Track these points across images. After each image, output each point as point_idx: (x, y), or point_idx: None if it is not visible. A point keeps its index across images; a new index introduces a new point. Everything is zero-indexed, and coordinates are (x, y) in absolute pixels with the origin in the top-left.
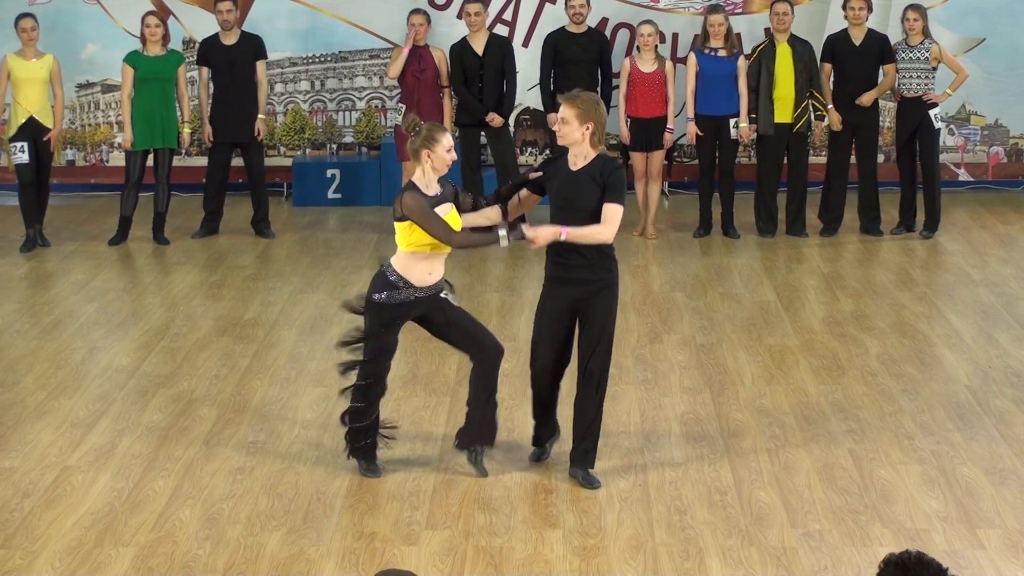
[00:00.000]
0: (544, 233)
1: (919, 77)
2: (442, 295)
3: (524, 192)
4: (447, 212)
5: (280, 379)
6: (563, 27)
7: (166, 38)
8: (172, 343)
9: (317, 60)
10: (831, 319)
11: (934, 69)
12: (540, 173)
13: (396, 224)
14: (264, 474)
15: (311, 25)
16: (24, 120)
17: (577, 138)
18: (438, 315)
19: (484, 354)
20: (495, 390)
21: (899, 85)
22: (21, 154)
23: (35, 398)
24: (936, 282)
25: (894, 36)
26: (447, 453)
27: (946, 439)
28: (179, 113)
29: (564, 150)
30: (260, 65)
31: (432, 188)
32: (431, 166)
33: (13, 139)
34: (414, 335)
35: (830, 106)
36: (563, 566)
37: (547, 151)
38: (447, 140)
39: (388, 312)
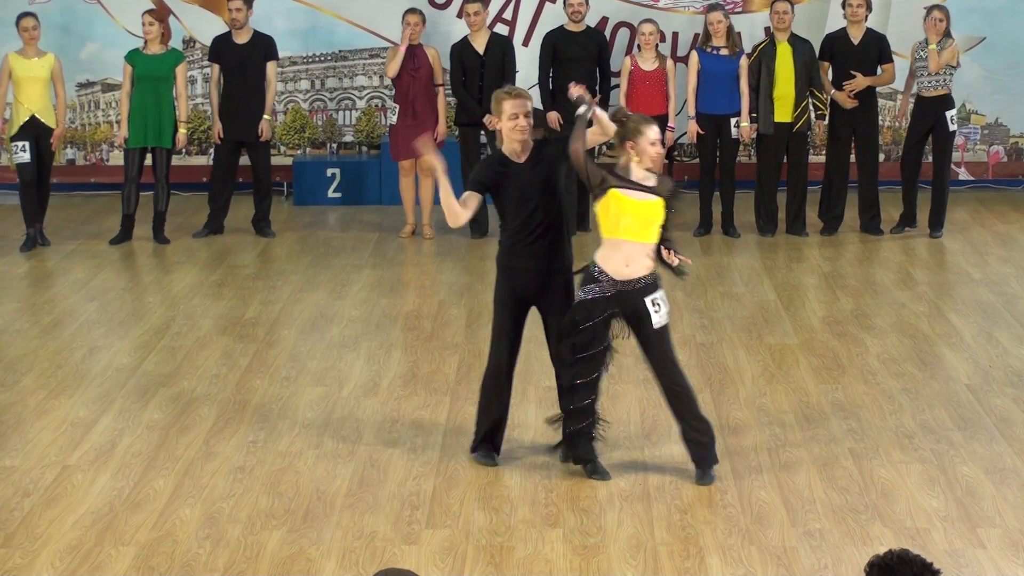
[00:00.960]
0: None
1: (938, 76)
2: (646, 300)
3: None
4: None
5: (280, 378)
6: (562, 26)
7: (166, 37)
8: (172, 342)
9: (317, 59)
10: (831, 318)
11: (953, 68)
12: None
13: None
14: (264, 473)
15: (311, 24)
16: (25, 119)
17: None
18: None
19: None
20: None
21: (918, 84)
22: (22, 153)
23: (35, 397)
24: (936, 281)
25: (892, 35)
26: (447, 452)
27: (946, 438)
28: (176, 112)
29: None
30: (271, 65)
31: (642, 180)
32: (635, 158)
33: (14, 138)
34: (413, 333)
35: (834, 91)
36: (563, 565)
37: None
38: (653, 132)
39: (597, 306)
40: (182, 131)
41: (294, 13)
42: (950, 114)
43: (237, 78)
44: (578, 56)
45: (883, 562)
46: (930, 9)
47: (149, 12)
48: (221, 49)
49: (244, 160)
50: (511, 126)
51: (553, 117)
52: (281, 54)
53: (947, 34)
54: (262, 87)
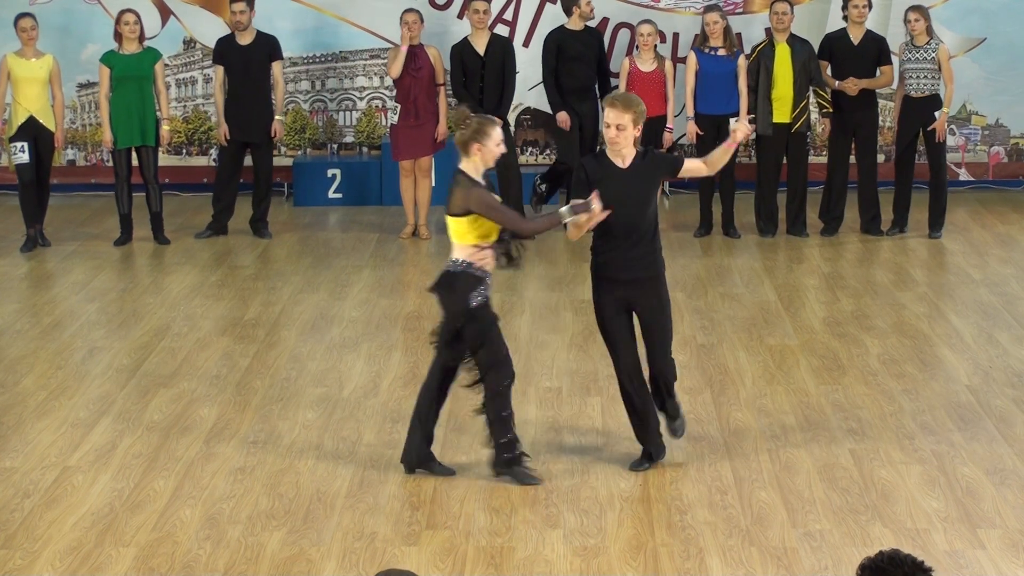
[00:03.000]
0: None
1: (926, 77)
2: None
3: None
4: None
5: (281, 379)
6: (562, 25)
7: (143, 36)
8: (172, 343)
9: (318, 60)
10: (831, 319)
11: (940, 69)
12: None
13: (457, 219)
14: (264, 474)
15: (312, 25)
16: (24, 120)
17: (632, 140)
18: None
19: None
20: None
21: (906, 85)
22: (21, 154)
23: (35, 398)
24: (937, 282)
25: (893, 37)
26: (447, 452)
27: (947, 439)
28: (157, 110)
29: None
30: (276, 65)
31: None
32: (480, 159)
33: (13, 139)
34: (414, 334)
35: (837, 83)
36: (563, 566)
37: (547, 151)
38: (498, 133)
39: (489, 309)
40: (165, 128)
41: (295, 13)
42: (938, 113)
43: (242, 79)
44: (582, 55)
45: (874, 564)
46: (907, 11)
47: (131, 11)
48: (225, 51)
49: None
50: (498, 152)
51: (563, 117)
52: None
53: (930, 33)
54: (267, 88)
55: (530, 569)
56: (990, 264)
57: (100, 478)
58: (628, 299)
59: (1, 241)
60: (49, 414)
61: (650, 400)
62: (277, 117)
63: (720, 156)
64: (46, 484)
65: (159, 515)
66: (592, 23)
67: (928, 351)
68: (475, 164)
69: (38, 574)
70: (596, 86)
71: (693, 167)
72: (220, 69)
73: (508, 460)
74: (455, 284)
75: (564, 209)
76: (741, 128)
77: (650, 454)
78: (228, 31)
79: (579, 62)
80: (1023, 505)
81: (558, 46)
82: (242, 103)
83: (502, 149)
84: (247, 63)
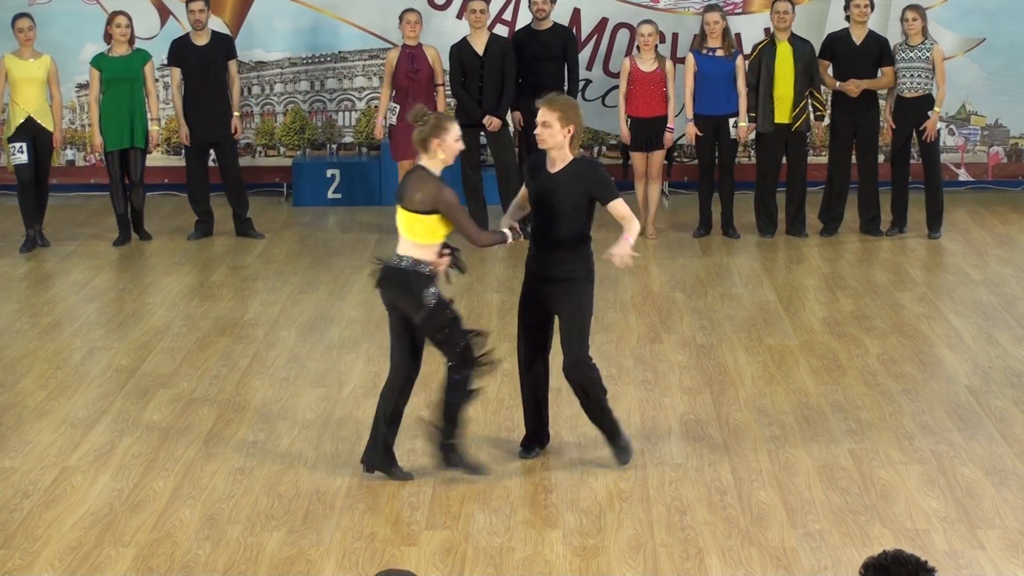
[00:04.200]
0: (625, 252)
1: (920, 77)
2: None
3: (523, 192)
4: None
5: (280, 379)
6: (528, 25)
7: (132, 38)
8: (172, 343)
9: (317, 60)
10: (831, 319)
11: (934, 69)
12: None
13: (419, 216)
14: (264, 474)
15: (310, 25)
16: (22, 120)
17: (559, 141)
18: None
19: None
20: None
21: (900, 85)
22: (20, 154)
23: (35, 398)
24: (936, 282)
25: (894, 37)
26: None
27: (946, 439)
28: (148, 111)
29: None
30: (232, 64)
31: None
32: (441, 156)
33: (12, 139)
34: None
35: (838, 84)
36: (563, 566)
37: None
38: (456, 129)
39: (446, 303)
40: (154, 128)
41: (293, 13)
42: (930, 113)
43: (200, 80)
44: (542, 55)
45: (878, 562)
46: (904, 10)
47: (122, 13)
48: (181, 52)
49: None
50: (457, 148)
51: (516, 116)
52: (280, 55)
53: (925, 34)
54: (225, 87)
55: (529, 569)
56: (990, 264)
57: (99, 478)
58: (544, 296)
59: (1, 241)
60: (48, 414)
61: (539, 388)
62: (235, 114)
63: (631, 232)
64: (45, 484)
65: (158, 515)
66: (591, 22)
67: (928, 351)
68: (436, 161)
69: (37, 574)
70: (565, 86)
71: (621, 213)
72: (177, 71)
73: (447, 447)
74: (410, 285)
75: (507, 231)
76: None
77: (536, 440)
78: (226, 31)
79: (539, 62)
80: (1022, 505)
81: (520, 45)
82: (201, 104)
83: (461, 145)
84: (205, 64)
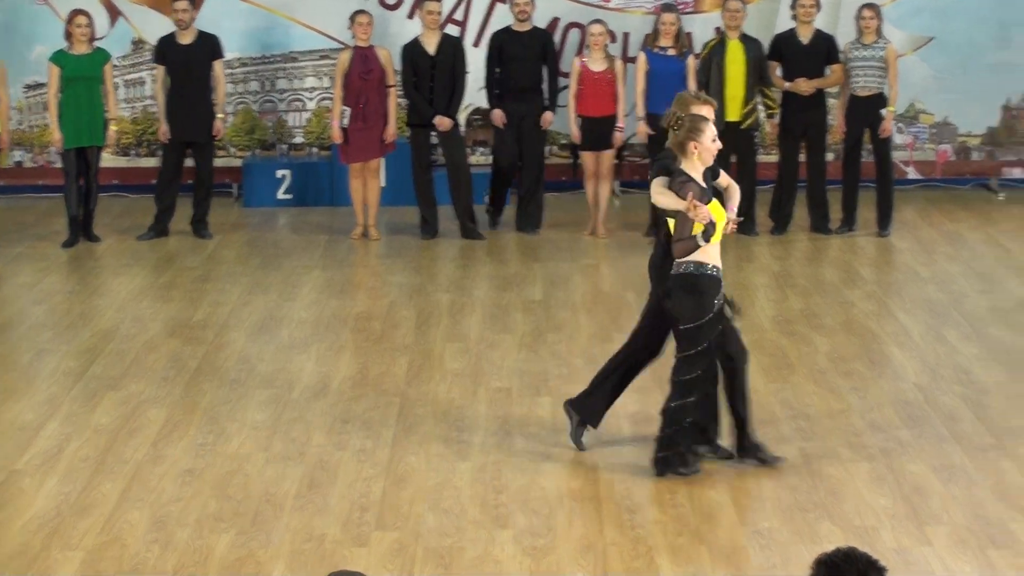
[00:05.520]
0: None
1: (873, 76)
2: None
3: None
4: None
5: (229, 381)
6: (508, 26)
7: (92, 37)
8: (121, 345)
9: (267, 60)
10: (781, 317)
11: (887, 68)
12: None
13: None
14: (213, 476)
15: (261, 25)
16: None
17: None
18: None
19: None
20: None
21: (852, 83)
22: None
23: None
24: (885, 280)
25: (843, 36)
26: (397, 454)
27: (895, 437)
28: (106, 111)
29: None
30: (217, 64)
31: (700, 180)
32: (698, 157)
33: None
34: (363, 335)
35: (788, 84)
36: (513, 566)
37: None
38: (711, 129)
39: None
40: (112, 128)
41: (244, 14)
42: (885, 111)
43: (183, 79)
44: (522, 56)
45: (830, 559)
46: (861, 8)
47: (82, 12)
48: (166, 50)
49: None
50: (715, 148)
51: (497, 116)
52: (231, 55)
53: (879, 33)
54: (208, 87)
55: (480, 569)
56: (938, 262)
57: (47, 481)
58: None
59: None
60: None
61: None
62: (218, 115)
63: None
64: None
65: (107, 518)
66: (541, 23)
67: (876, 349)
68: (694, 163)
69: None
70: (543, 86)
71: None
72: (161, 69)
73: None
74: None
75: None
76: None
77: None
78: (172, 31)
79: (519, 63)
80: (969, 502)
81: (499, 47)
82: (183, 103)
83: (718, 145)
84: (188, 63)
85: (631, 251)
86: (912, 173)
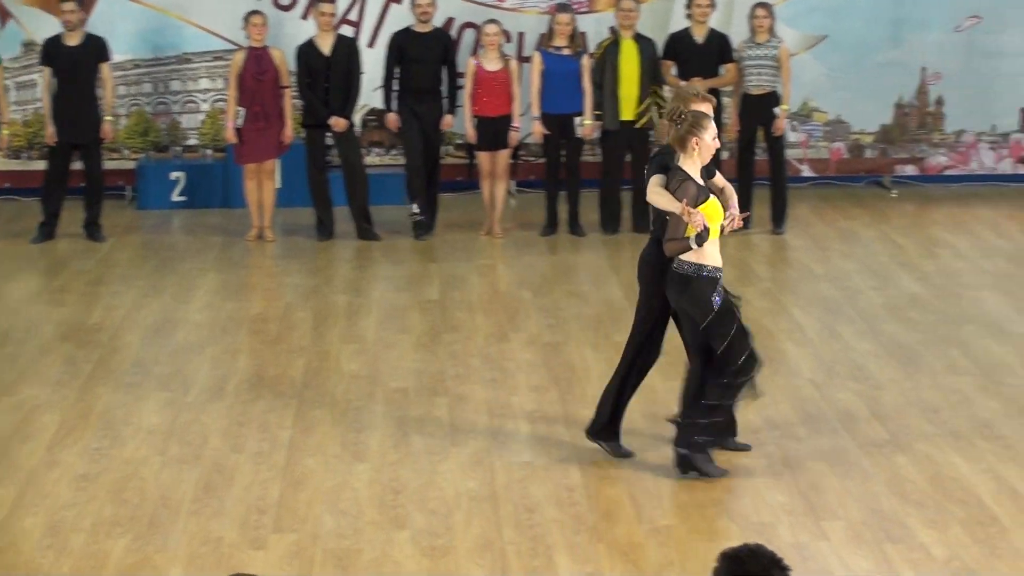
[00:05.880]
0: None
1: (766, 74)
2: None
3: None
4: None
5: (125, 384)
6: (408, 27)
7: None
8: (13, 350)
9: (160, 62)
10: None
11: (780, 67)
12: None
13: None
14: (109, 481)
15: (154, 26)
16: None
17: None
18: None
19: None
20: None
21: (745, 82)
22: None
23: None
24: (780, 277)
25: (736, 35)
26: (294, 456)
27: (791, 433)
28: None
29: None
30: (105, 67)
31: (698, 178)
32: (698, 154)
33: None
34: (259, 337)
35: (683, 84)
36: (412, 566)
37: (392, 151)
38: (713, 127)
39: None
40: (4, 132)
41: (136, 15)
42: (779, 109)
43: (69, 80)
44: (423, 57)
45: (735, 553)
46: (754, 7)
47: None
48: (52, 52)
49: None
50: (715, 146)
51: (392, 119)
52: (124, 57)
53: (772, 32)
54: (94, 89)
55: (378, 570)
56: (832, 259)
57: None
58: None
59: None
60: None
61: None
62: (107, 118)
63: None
64: None
65: (0, 525)
66: (435, 23)
67: (771, 346)
68: (693, 160)
69: None
70: (443, 88)
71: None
72: (47, 70)
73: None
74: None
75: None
76: None
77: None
78: (58, 32)
79: (419, 64)
80: (865, 497)
81: (399, 48)
82: (69, 104)
83: (718, 143)
84: (74, 64)
85: (527, 250)
86: (806, 171)
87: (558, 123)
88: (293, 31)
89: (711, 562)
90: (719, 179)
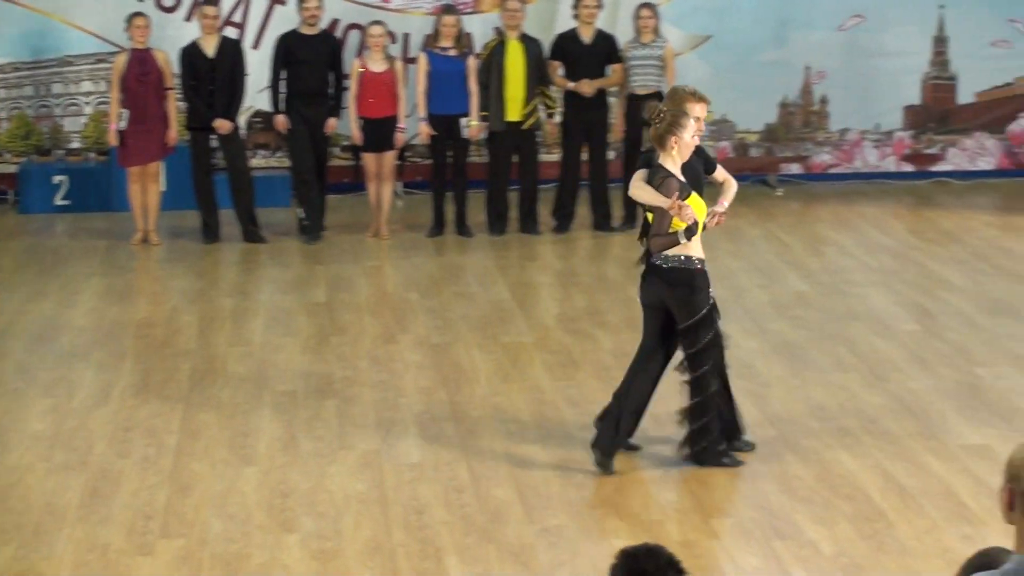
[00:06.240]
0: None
1: (651, 74)
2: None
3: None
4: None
5: (8, 391)
6: (295, 29)
7: None
8: None
9: (42, 65)
10: (564, 315)
11: (665, 67)
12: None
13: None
14: None
15: (35, 29)
16: None
17: None
18: None
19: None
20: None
21: (631, 82)
22: None
23: None
24: None
25: (622, 35)
26: (181, 460)
27: (679, 431)
28: None
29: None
30: None
31: (679, 175)
32: (677, 152)
33: None
34: (145, 341)
35: (571, 84)
36: (301, 570)
37: (278, 153)
38: (693, 126)
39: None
40: None
41: (17, 17)
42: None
43: None
44: (310, 59)
45: (633, 551)
46: (639, 8)
47: None
48: None
49: None
50: (693, 145)
51: (280, 120)
52: (4, 59)
53: (657, 32)
54: None
55: (267, 574)
56: (719, 258)
57: None
58: None
59: None
60: None
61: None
62: None
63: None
64: None
65: None
66: (323, 24)
67: None
68: (672, 158)
69: None
70: (330, 90)
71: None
72: None
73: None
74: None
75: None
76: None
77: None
78: None
79: (307, 66)
80: (754, 494)
81: (286, 50)
82: None
83: (696, 141)
84: None
85: (414, 251)
86: None
87: (445, 124)
88: (176, 33)
89: (601, 562)
90: (720, 172)
